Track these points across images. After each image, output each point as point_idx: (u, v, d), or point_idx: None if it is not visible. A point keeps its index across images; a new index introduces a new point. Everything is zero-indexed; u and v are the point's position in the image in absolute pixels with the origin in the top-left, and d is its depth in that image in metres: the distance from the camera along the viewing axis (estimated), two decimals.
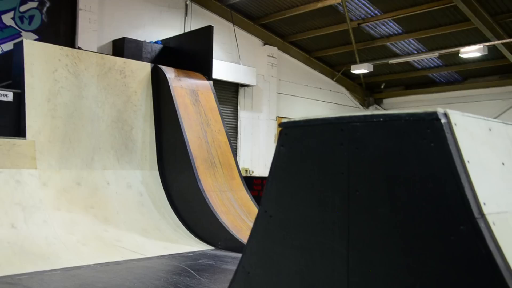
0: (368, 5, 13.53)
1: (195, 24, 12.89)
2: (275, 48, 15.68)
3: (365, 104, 19.28)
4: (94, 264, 6.73)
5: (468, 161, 2.14)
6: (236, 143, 14.56)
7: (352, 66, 15.99)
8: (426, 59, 16.06)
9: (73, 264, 6.62)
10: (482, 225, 2.02)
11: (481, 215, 2.05)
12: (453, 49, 14.39)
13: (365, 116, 2.44)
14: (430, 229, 2.15)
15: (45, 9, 10.61)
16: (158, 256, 7.44)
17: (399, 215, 2.27)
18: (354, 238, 2.43)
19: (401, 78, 17.83)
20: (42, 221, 7.31)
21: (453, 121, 2.19)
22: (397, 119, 2.32)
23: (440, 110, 2.19)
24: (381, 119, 2.37)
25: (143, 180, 9.19)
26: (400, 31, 14.66)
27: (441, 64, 16.49)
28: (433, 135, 2.17)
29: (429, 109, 2.22)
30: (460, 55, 14.32)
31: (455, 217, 2.07)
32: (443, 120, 2.16)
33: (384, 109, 19.21)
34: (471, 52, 13.68)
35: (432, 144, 2.17)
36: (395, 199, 2.28)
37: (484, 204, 2.09)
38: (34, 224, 7.19)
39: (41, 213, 7.41)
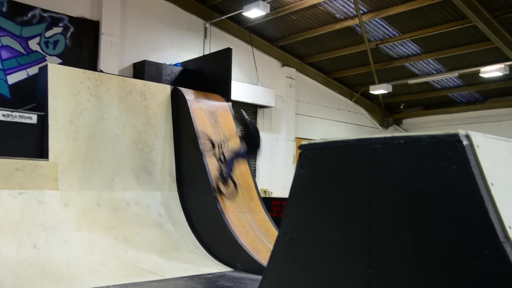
0: (386, 26, 13.56)
1: (214, 46, 13.07)
2: (293, 70, 15.77)
3: (384, 125, 19.17)
4: (113, 285, 6.74)
5: (492, 184, 2.11)
6: (255, 164, 14.56)
7: (370, 87, 15.95)
8: (445, 79, 15.96)
9: (93, 285, 6.64)
10: (508, 249, 1.98)
11: (507, 238, 2.01)
12: (473, 69, 14.28)
13: (385, 138, 2.43)
14: (454, 252, 2.12)
15: (69, 34, 10.89)
16: (177, 278, 7.42)
17: (421, 238, 2.24)
18: (375, 261, 2.40)
19: (420, 98, 17.71)
20: (63, 242, 7.38)
21: (475, 142, 2.17)
22: (418, 141, 2.30)
23: (461, 132, 2.18)
24: (402, 141, 2.36)
25: (162, 201, 9.23)
26: (418, 51, 14.63)
27: (461, 83, 16.36)
28: (455, 157, 2.15)
29: (451, 130, 2.21)
30: (480, 74, 14.20)
31: (479, 241, 2.04)
32: (465, 142, 2.14)
33: (404, 130, 19.06)
34: (492, 71, 13.56)
35: (454, 166, 2.15)
36: (417, 222, 2.26)
37: (510, 227, 2.05)
38: (55, 244, 7.26)
39: (62, 234, 7.48)
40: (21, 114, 8.14)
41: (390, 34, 13.97)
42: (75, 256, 7.25)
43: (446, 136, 2.20)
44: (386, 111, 19.09)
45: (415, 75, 15.94)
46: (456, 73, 14.76)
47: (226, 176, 8.34)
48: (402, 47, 14.54)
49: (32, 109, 8.66)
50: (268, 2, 11.83)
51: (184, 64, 11.80)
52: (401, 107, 18.46)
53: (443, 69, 15.37)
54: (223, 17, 13.44)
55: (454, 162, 2.15)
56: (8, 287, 6.07)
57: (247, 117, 8.47)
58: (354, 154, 2.53)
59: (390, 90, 15.75)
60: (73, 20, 10.93)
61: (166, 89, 10.02)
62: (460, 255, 2.09)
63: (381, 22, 13.39)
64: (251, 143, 8.45)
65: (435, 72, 15.62)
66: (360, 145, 2.52)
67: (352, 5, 12.71)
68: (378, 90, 15.81)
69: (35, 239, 7.12)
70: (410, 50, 14.67)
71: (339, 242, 2.55)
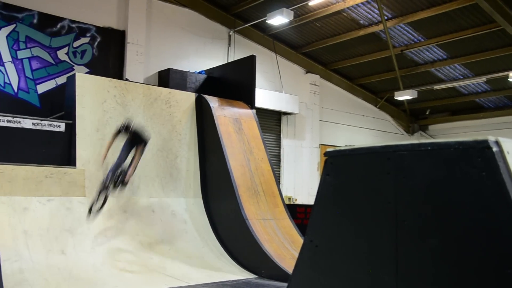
0: (411, 32, 13.43)
1: (238, 54, 13.14)
2: (317, 76, 15.74)
3: (410, 131, 18.93)
4: None
5: None
6: (279, 171, 14.55)
7: (396, 93, 15.80)
8: (472, 84, 15.69)
9: None
10: None
11: None
12: (501, 74, 14.00)
13: (412, 144, 2.41)
14: (484, 261, 2.07)
15: (96, 43, 11.12)
16: (201, 284, 7.44)
17: (450, 247, 2.20)
18: (403, 269, 2.37)
19: (447, 103, 17.45)
20: (90, 248, 7.50)
21: (505, 149, 2.12)
22: (446, 148, 2.27)
23: (491, 138, 2.14)
24: (429, 148, 2.33)
25: (187, 208, 9.30)
26: (444, 56, 14.43)
27: (489, 89, 16.06)
28: (485, 164, 2.11)
29: (480, 137, 2.17)
30: (509, 79, 13.90)
31: (511, 250, 1.99)
32: (494, 149, 2.10)
33: (430, 136, 18.78)
34: None
35: (483, 173, 2.11)
36: (445, 230, 2.22)
37: None
38: (83, 250, 7.38)
39: (89, 240, 7.60)
40: (50, 122, 8.33)
41: (415, 40, 13.82)
42: (101, 262, 7.36)
43: (475, 143, 2.17)
44: (412, 117, 18.86)
45: (441, 81, 15.72)
46: (483, 78, 14.49)
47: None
48: (427, 53, 14.37)
49: (60, 118, 8.85)
50: (291, 9, 11.85)
51: (209, 71, 11.90)
52: (427, 113, 18.22)
53: (470, 74, 15.11)
54: (247, 25, 13.52)
55: (484, 169, 2.11)
56: None
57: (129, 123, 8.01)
58: (381, 161, 2.51)
59: (416, 96, 15.57)
60: (100, 30, 11.16)
61: (191, 96, 10.11)
62: (491, 264, 2.05)
63: (406, 28, 13.26)
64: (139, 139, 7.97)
65: (461, 78, 15.38)
66: (387, 151, 2.49)
67: (377, 11, 12.63)
68: (403, 96, 15.65)
69: (63, 245, 7.26)
70: (436, 56, 14.49)
71: (365, 250, 2.53)
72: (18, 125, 7.94)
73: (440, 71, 15.31)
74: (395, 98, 16.16)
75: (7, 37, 9.91)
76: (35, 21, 10.27)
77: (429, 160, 2.31)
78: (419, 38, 13.69)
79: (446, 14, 12.12)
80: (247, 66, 10.80)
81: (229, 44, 13.54)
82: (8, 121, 7.83)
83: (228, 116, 9.90)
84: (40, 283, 6.40)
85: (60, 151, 8.32)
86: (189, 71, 11.58)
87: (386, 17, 12.77)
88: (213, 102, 9.98)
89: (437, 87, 15.59)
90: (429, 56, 14.55)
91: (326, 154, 2.79)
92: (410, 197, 2.38)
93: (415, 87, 15.78)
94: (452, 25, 12.74)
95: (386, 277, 2.41)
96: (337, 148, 2.79)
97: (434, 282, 2.24)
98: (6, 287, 4.92)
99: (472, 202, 2.13)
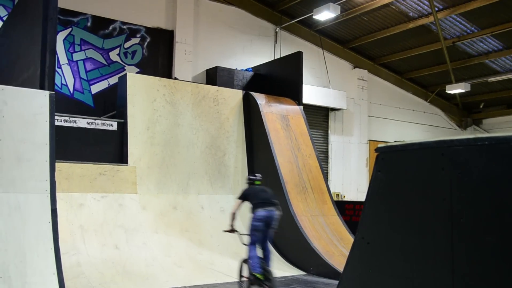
0: (463, 22, 12.96)
1: (284, 50, 13.12)
2: (365, 71, 15.47)
3: (462, 125, 18.29)
4: (189, 286, 6.94)
5: None
6: (327, 167, 14.42)
7: (447, 86, 15.30)
8: None
9: (170, 285, 6.87)
10: None
11: None
12: None
13: (467, 139, 2.33)
14: None
15: (145, 44, 11.40)
16: None
17: (509, 244, 2.12)
18: (459, 267, 2.29)
19: (502, 96, 16.72)
20: (142, 243, 7.71)
21: None
22: (504, 142, 2.18)
23: None
24: (486, 142, 2.24)
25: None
26: (500, 47, 13.83)
27: None
28: None
29: None
30: None
31: None
32: None
33: (484, 130, 18.07)
34: None
35: None
36: (505, 227, 2.13)
37: None
38: (135, 245, 7.60)
39: (141, 236, 7.82)
40: (103, 121, 8.62)
41: (468, 31, 13.33)
42: (153, 257, 7.55)
43: None
44: (464, 111, 18.21)
45: (496, 73, 15.08)
46: None
47: None
48: (481, 44, 13.82)
49: (113, 117, 9.13)
50: (338, 4, 11.69)
51: (255, 69, 11.94)
52: (481, 106, 17.53)
53: None
54: (293, 21, 13.46)
55: None
56: (95, 284, 6.42)
57: None
58: (434, 157, 2.44)
59: (469, 89, 15.01)
60: (149, 30, 11.42)
61: (238, 94, 10.19)
62: None
63: (458, 19, 12.81)
64: None
65: None
66: (441, 147, 2.42)
67: (427, 3, 12.26)
68: (455, 89, 15.13)
69: (117, 240, 7.50)
70: (491, 46, 13.91)
71: (419, 247, 2.47)
72: (74, 125, 8.26)
73: (495, 63, 14.69)
74: (446, 91, 15.65)
75: (63, 40, 10.32)
76: (89, 24, 10.65)
77: (486, 155, 2.23)
78: (472, 29, 13.19)
79: (501, 2, 11.59)
80: (294, 62, 10.76)
81: (276, 41, 13.53)
82: (65, 120, 8.16)
83: (275, 113, 9.91)
84: (96, 276, 6.65)
85: (112, 149, 8.59)
86: (236, 69, 11.66)
87: (436, 8, 12.37)
88: (260, 99, 10.01)
89: (492, 79, 14.97)
90: (483, 47, 13.99)
91: (377, 150, 2.75)
92: (466, 194, 2.30)
93: (468, 79, 15.22)
94: (507, 14, 12.19)
95: (442, 275, 2.35)
96: (388, 144, 2.73)
97: (493, 281, 2.16)
98: (65, 279, 5.14)
99: None
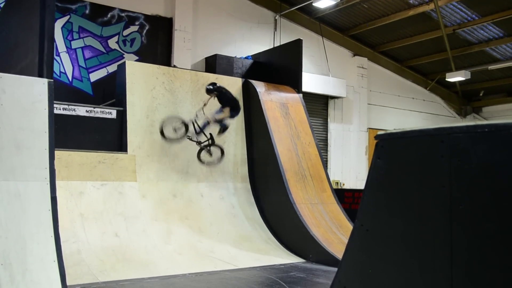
0: (464, 10, 12.88)
1: (284, 38, 13.05)
2: (365, 59, 15.41)
3: (462, 113, 18.27)
4: (189, 274, 6.98)
5: None
6: (326, 155, 14.43)
7: (447, 74, 15.25)
8: None
9: (170, 273, 6.91)
10: None
11: None
12: None
13: (467, 126, 2.32)
14: None
15: (144, 31, 11.34)
16: (250, 268, 7.54)
17: (509, 231, 2.12)
18: (457, 255, 2.30)
19: (502, 84, 16.68)
20: (141, 231, 7.74)
21: None
22: (504, 129, 2.17)
23: None
24: (486, 129, 2.24)
25: (235, 192, 9.40)
26: (501, 34, 13.77)
27: None
28: None
29: None
30: None
31: None
32: None
33: (484, 118, 18.06)
34: None
35: None
36: (504, 215, 2.14)
37: None
38: (135, 233, 7.63)
39: (141, 223, 7.84)
40: (102, 109, 8.60)
41: (469, 18, 13.25)
42: (153, 245, 7.58)
43: None
44: (464, 99, 18.18)
45: (496, 60, 15.03)
46: None
47: (199, 132, 8.53)
48: (482, 31, 13.75)
49: (112, 105, 9.11)
50: None
51: (255, 56, 11.89)
52: (481, 94, 17.50)
53: None
54: (292, 9, 13.37)
55: None
56: (95, 272, 6.46)
57: (219, 85, 8.62)
58: (434, 144, 2.44)
59: (469, 76, 14.96)
60: (148, 18, 11.35)
61: (238, 82, 10.16)
62: None
63: (459, 6, 12.72)
64: (234, 106, 8.66)
65: None
66: (440, 134, 2.41)
67: None
68: (455, 77, 15.08)
69: (117, 228, 7.52)
70: (491, 34, 13.85)
71: (418, 234, 2.48)
72: (73, 113, 8.24)
73: (495, 50, 14.64)
74: (446, 79, 15.61)
75: (62, 28, 10.26)
76: (87, 11, 10.57)
77: (486, 142, 2.23)
78: (473, 16, 13.11)
79: None
80: (293, 50, 10.71)
81: (275, 29, 13.46)
82: (64, 109, 8.14)
83: (275, 101, 9.88)
84: (96, 263, 6.68)
85: (112, 137, 8.58)
86: (235, 57, 11.61)
87: None
88: (259, 87, 9.98)
89: (492, 67, 14.92)
90: (483, 34, 13.92)
91: (376, 137, 2.74)
92: (465, 181, 2.30)
93: (468, 67, 15.16)
94: (509, 1, 12.11)
95: (441, 262, 2.36)
96: (388, 131, 2.73)
97: (491, 268, 2.17)
98: (66, 266, 5.17)
99: None
